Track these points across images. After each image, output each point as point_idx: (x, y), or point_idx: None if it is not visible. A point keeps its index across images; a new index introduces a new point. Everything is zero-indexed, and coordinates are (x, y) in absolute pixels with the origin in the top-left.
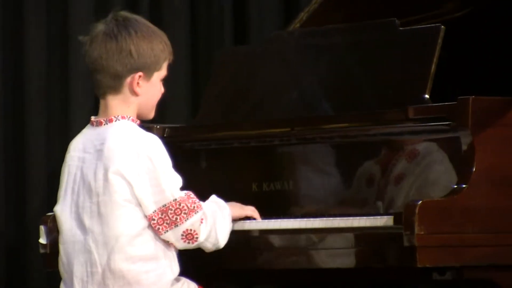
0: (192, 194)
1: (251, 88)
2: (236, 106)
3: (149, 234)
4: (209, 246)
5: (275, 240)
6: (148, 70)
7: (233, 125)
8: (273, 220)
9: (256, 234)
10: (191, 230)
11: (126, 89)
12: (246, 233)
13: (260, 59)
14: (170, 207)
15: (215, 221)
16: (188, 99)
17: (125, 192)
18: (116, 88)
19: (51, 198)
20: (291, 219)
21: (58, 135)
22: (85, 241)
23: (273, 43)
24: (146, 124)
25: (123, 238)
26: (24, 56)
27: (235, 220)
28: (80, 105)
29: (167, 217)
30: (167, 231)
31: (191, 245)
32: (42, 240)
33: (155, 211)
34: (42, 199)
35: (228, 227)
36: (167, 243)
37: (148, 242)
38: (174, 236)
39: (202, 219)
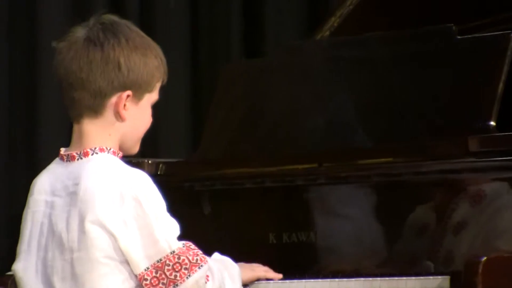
0: (192, 245)
1: (265, 112)
2: (247, 135)
3: None
4: None
5: None
6: (138, 90)
7: (244, 160)
8: (295, 281)
9: None
10: None
11: (109, 112)
12: None
13: (277, 76)
14: (167, 262)
15: (224, 280)
16: (187, 127)
17: (107, 246)
18: (96, 109)
19: (13, 252)
20: (319, 280)
21: (23, 170)
22: None
23: (294, 55)
24: (134, 159)
25: None
26: None
27: (244, 285)
28: (51, 133)
29: (163, 276)
30: None
31: None
32: None
33: (148, 268)
34: (1, 253)
35: None
36: None
37: None
38: None
39: (207, 276)
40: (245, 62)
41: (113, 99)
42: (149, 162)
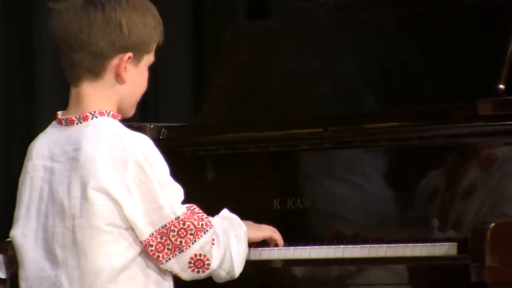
0: (196, 208)
1: (270, 76)
2: (251, 99)
3: (138, 265)
4: (222, 274)
5: (301, 273)
6: (138, 52)
7: (248, 124)
8: (300, 248)
9: (278, 265)
10: (200, 255)
11: (109, 74)
12: (264, 264)
13: (282, 39)
14: (172, 227)
15: (229, 242)
16: (188, 90)
17: (110, 214)
18: (96, 72)
19: (11, 219)
20: (323, 246)
21: (19, 138)
22: (56, 278)
23: (298, 17)
24: (136, 123)
25: (105, 273)
26: None
27: (250, 244)
28: (48, 96)
29: (168, 241)
30: (169, 259)
31: (202, 275)
32: (0, 274)
33: (153, 234)
34: None
35: (244, 251)
36: (161, 275)
37: (136, 277)
38: (178, 264)
39: (213, 239)
40: (249, 24)
41: (114, 61)
42: (151, 126)
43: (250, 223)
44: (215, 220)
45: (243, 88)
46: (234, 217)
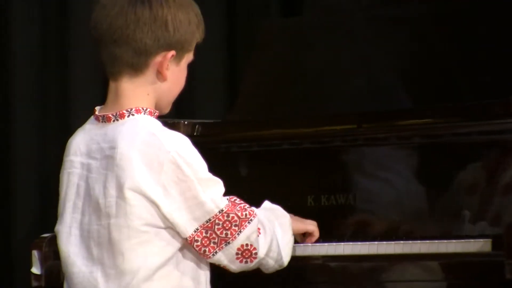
0: (237, 200)
1: (304, 73)
2: (284, 96)
3: (173, 262)
4: (271, 263)
5: (335, 269)
6: (181, 50)
7: (282, 121)
8: (334, 244)
9: (312, 261)
10: (247, 245)
11: (150, 71)
12: (299, 260)
13: (316, 35)
14: (217, 221)
15: (275, 230)
16: (222, 86)
17: (147, 214)
18: (137, 67)
19: (45, 215)
20: (358, 243)
21: (54, 132)
22: (91, 275)
23: (333, 13)
24: (170, 120)
25: (141, 273)
26: (9, 30)
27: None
28: (83, 91)
29: (214, 235)
30: (216, 252)
31: (250, 265)
32: (35, 270)
33: (198, 229)
34: (33, 216)
35: (290, 241)
36: (197, 269)
37: (171, 274)
38: (226, 257)
39: (259, 228)
40: (282, 21)
41: (157, 58)
42: (185, 123)
43: (292, 215)
44: (259, 211)
45: (277, 85)
46: (277, 207)
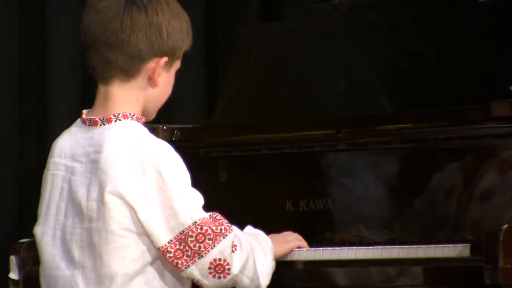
0: (218, 216)
1: (284, 78)
2: (264, 100)
3: (154, 270)
4: (246, 281)
5: (314, 274)
6: (172, 57)
7: (261, 126)
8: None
9: (299, 266)
10: (220, 259)
11: (142, 77)
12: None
13: (296, 40)
14: (190, 233)
15: (254, 251)
16: (202, 92)
17: (125, 219)
18: (129, 73)
19: (23, 220)
20: (337, 248)
21: (33, 138)
22: (72, 278)
23: (313, 18)
24: (149, 125)
25: (119, 278)
26: None
27: (278, 259)
28: (63, 96)
29: (187, 247)
30: (188, 265)
31: (224, 281)
32: (13, 275)
33: (171, 241)
34: (12, 220)
35: (271, 264)
36: (180, 281)
37: (152, 282)
38: (199, 271)
39: (235, 245)
40: (263, 26)
41: (150, 64)
42: (164, 128)
43: (274, 236)
44: (238, 231)
45: (257, 90)
46: (259, 232)
